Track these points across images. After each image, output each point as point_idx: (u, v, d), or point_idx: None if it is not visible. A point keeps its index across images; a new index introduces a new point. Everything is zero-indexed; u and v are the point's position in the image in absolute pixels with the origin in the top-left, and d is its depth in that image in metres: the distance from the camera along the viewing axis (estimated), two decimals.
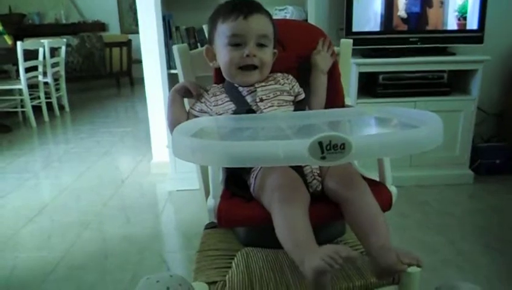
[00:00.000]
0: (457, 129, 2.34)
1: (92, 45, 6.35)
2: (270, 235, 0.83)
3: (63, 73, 4.83)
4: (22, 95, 4.15)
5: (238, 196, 0.98)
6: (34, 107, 4.24)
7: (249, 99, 1.08)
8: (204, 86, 1.14)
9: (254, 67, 1.07)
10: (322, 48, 1.20)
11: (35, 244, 1.87)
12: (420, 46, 2.31)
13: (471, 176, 2.42)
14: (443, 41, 2.34)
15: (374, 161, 1.01)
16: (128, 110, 5.27)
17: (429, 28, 2.31)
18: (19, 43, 3.94)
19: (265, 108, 1.06)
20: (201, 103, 1.10)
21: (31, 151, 3.36)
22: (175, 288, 0.80)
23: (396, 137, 0.74)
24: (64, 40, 4.97)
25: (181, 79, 1.25)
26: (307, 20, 2.22)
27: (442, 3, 2.27)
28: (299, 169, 0.94)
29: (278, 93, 1.10)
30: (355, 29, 2.25)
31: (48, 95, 4.53)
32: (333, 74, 1.22)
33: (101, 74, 6.55)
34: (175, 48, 1.25)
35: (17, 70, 4.16)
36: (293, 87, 1.14)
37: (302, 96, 1.15)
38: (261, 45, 1.07)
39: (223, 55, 1.08)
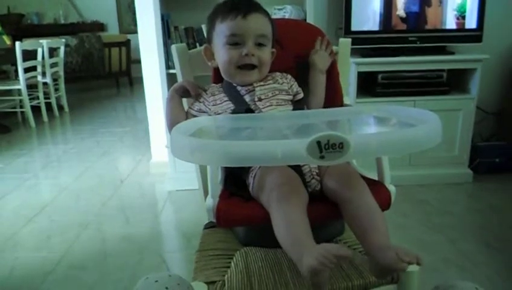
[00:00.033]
0: (456, 128, 2.34)
1: (91, 45, 6.35)
2: (269, 234, 0.83)
3: (62, 73, 4.83)
4: (20, 96, 4.15)
5: (237, 196, 0.98)
6: (33, 107, 4.24)
7: (247, 98, 1.08)
8: (202, 85, 1.14)
9: (253, 66, 1.07)
10: (320, 47, 1.20)
11: (34, 245, 1.87)
12: (419, 45, 2.31)
13: (470, 175, 2.42)
14: (442, 41, 2.34)
15: (373, 160, 1.01)
16: (127, 110, 5.27)
17: (428, 27, 2.31)
18: (17, 43, 3.94)
19: (263, 107, 1.06)
20: (200, 102, 1.10)
21: (30, 152, 3.36)
22: (173, 288, 0.80)
23: (395, 136, 0.74)
24: (63, 40, 4.97)
25: (179, 79, 1.25)
26: (305, 19, 2.22)
27: (441, 2, 2.27)
28: (297, 168, 0.94)
29: (277, 92, 1.10)
30: (354, 28, 2.25)
31: (46, 95, 4.53)
32: (332, 73, 1.22)
33: (100, 74, 6.55)
34: (173, 48, 1.24)
35: (16, 71, 4.17)
36: (291, 86, 1.14)
37: (301, 95, 1.15)
38: (259, 44, 1.07)
39: (221, 54, 1.07)
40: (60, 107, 4.86)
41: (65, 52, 5.01)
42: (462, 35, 2.32)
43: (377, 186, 0.96)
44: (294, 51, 1.22)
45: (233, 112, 1.06)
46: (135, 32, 2.71)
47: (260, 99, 1.07)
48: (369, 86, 2.35)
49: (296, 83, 1.16)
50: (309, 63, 1.19)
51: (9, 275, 1.64)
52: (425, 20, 2.30)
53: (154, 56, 2.25)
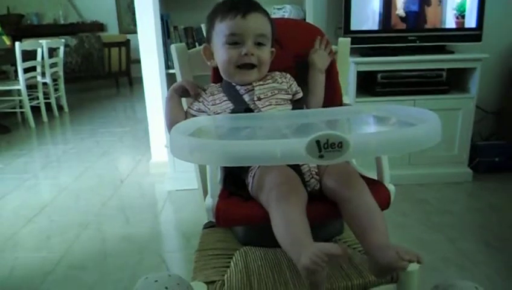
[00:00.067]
0: (456, 127, 2.34)
1: (91, 45, 6.35)
2: (269, 234, 0.83)
3: (61, 73, 4.83)
4: (20, 96, 4.15)
5: (236, 195, 0.98)
6: (32, 107, 4.24)
7: (246, 98, 1.08)
8: (202, 85, 1.14)
9: (252, 66, 1.07)
10: (320, 47, 1.20)
11: (34, 245, 1.87)
12: (419, 44, 2.31)
13: (470, 174, 2.42)
14: (442, 40, 2.34)
15: (372, 159, 1.01)
16: (127, 110, 5.27)
17: (428, 26, 2.31)
18: (17, 43, 3.94)
19: (263, 107, 1.06)
20: (199, 102, 1.10)
21: (30, 152, 3.36)
22: (173, 288, 0.80)
23: (394, 135, 0.74)
24: (63, 40, 4.97)
25: (179, 78, 1.25)
26: (305, 19, 2.22)
27: (440, 1, 2.27)
28: (296, 168, 0.94)
29: (276, 92, 1.10)
30: (353, 28, 2.25)
31: (46, 95, 4.53)
32: (331, 73, 1.22)
33: (100, 74, 6.55)
34: (173, 48, 1.24)
35: (16, 71, 4.17)
36: (290, 86, 1.14)
37: (300, 95, 1.15)
38: (259, 44, 1.07)
39: (221, 54, 1.07)
40: (60, 108, 4.86)
41: (65, 52, 5.01)
42: (462, 35, 2.32)
43: (376, 186, 0.96)
44: (293, 50, 1.22)
45: (233, 111, 1.06)
46: (135, 32, 2.71)
47: (259, 99, 1.07)
48: (368, 85, 2.35)
49: (295, 82, 1.16)
50: (308, 62, 1.19)
51: (9, 275, 1.64)
52: (425, 20, 2.30)
53: (154, 56, 2.25)
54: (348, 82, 2.10)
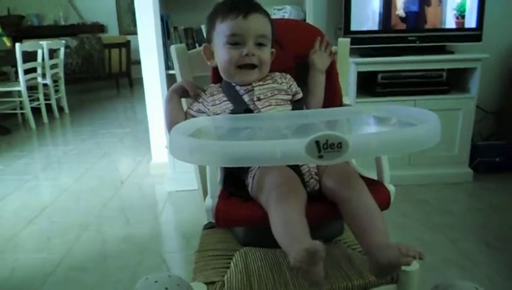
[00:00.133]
0: (456, 128, 2.34)
1: (91, 46, 6.36)
2: (269, 234, 0.82)
3: (62, 74, 4.83)
4: (21, 97, 4.15)
5: (236, 196, 0.98)
6: (33, 108, 4.24)
7: (246, 98, 1.08)
8: (201, 85, 1.14)
9: (253, 66, 1.07)
10: (319, 48, 1.20)
11: (34, 246, 1.87)
12: (419, 44, 2.31)
13: (470, 174, 2.42)
14: (442, 40, 2.34)
15: (372, 159, 1.01)
16: (127, 111, 5.27)
17: (428, 26, 2.31)
18: (17, 44, 3.94)
19: (262, 107, 1.06)
20: (199, 102, 1.10)
21: (30, 153, 3.36)
22: (173, 288, 0.80)
23: (394, 135, 0.74)
24: (63, 41, 4.97)
25: (179, 79, 1.25)
26: (305, 19, 2.22)
27: (440, 1, 2.27)
28: (296, 168, 0.94)
29: (276, 92, 1.10)
30: (353, 28, 2.25)
31: (47, 96, 4.54)
32: (331, 73, 1.22)
33: (100, 75, 6.56)
34: (173, 48, 1.24)
35: (16, 72, 4.17)
36: (290, 86, 1.14)
37: (300, 95, 1.15)
38: (259, 44, 1.07)
39: (221, 54, 1.08)
40: (60, 109, 4.87)
41: (65, 53, 5.02)
42: (462, 35, 2.32)
43: (376, 186, 0.96)
44: (293, 51, 1.22)
45: (232, 112, 1.06)
46: (135, 33, 2.72)
47: (259, 99, 1.07)
48: (368, 85, 2.35)
49: (295, 82, 1.16)
50: (308, 63, 1.19)
51: (9, 277, 1.64)
52: (425, 20, 2.30)
53: (154, 57, 2.25)
54: (348, 82, 2.10)
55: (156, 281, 0.81)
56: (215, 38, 1.09)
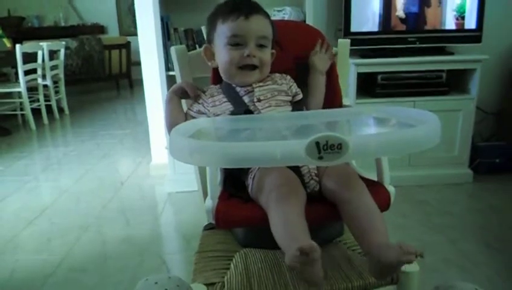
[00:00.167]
0: (456, 129, 2.34)
1: (91, 47, 6.36)
2: (269, 235, 0.82)
3: (62, 76, 4.84)
4: (21, 98, 4.16)
5: (236, 197, 0.98)
6: (33, 110, 4.24)
7: (246, 99, 1.08)
8: (201, 86, 1.14)
9: (254, 67, 1.07)
10: (320, 51, 1.20)
11: (35, 247, 1.87)
12: (418, 45, 2.31)
13: (470, 175, 2.42)
14: (441, 41, 2.35)
15: (372, 160, 1.01)
16: (127, 112, 5.27)
17: (427, 27, 2.31)
18: (17, 46, 3.95)
19: (262, 108, 1.06)
20: (199, 104, 1.10)
21: (30, 154, 3.36)
22: None
23: (393, 136, 0.74)
24: (63, 42, 4.97)
25: (179, 80, 1.25)
26: (305, 20, 2.22)
27: (440, 2, 2.28)
28: (296, 169, 0.94)
29: (276, 93, 1.10)
30: (353, 29, 2.25)
31: (47, 97, 4.54)
32: (331, 75, 1.22)
33: (100, 76, 6.56)
34: (173, 49, 1.24)
35: (16, 73, 4.17)
36: (290, 87, 1.14)
37: (300, 96, 1.15)
38: (260, 46, 1.07)
39: (222, 54, 1.08)
40: (60, 110, 4.87)
41: (65, 54, 5.02)
42: (462, 36, 2.32)
43: (376, 187, 0.96)
44: (293, 52, 1.22)
45: (232, 113, 1.06)
46: (135, 34, 2.72)
47: (259, 100, 1.07)
48: (368, 86, 2.35)
49: (295, 84, 1.16)
50: (309, 64, 1.19)
51: (9, 278, 1.64)
52: (425, 21, 2.30)
53: (154, 58, 2.25)
54: (348, 83, 2.10)
55: (156, 283, 0.81)
56: (216, 39, 1.10)
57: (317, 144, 0.65)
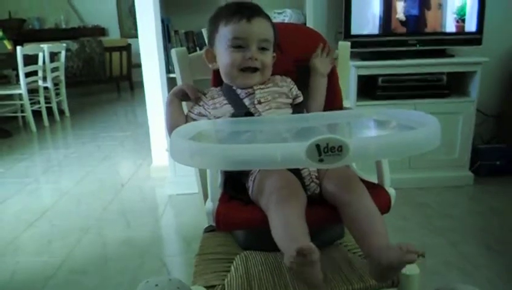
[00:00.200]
0: (456, 131, 2.34)
1: (92, 49, 6.37)
2: (269, 238, 0.82)
3: (62, 78, 4.84)
4: (21, 100, 4.16)
5: (237, 199, 0.98)
6: (34, 112, 4.25)
7: (247, 102, 1.08)
8: (202, 89, 1.14)
9: (255, 69, 1.08)
10: (321, 55, 1.20)
11: (35, 249, 1.87)
12: (419, 48, 2.31)
13: (471, 177, 2.42)
14: (442, 44, 2.35)
15: (373, 163, 1.01)
16: (128, 114, 5.27)
17: (428, 30, 2.31)
18: (18, 48, 3.95)
19: (263, 110, 1.06)
20: (200, 106, 1.10)
21: (31, 156, 3.36)
22: None
23: (394, 139, 0.74)
24: (64, 44, 4.98)
25: (179, 82, 1.26)
26: (305, 23, 2.22)
27: (440, 5, 2.28)
28: (297, 172, 0.94)
29: (276, 95, 1.10)
30: (353, 32, 2.25)
31: (47, 99, 4.54)
32: (331, 77, 1.22)
33: (101, 79, 6.56)
34: (173, 52, 1.25)
35: (17, 75, 4.17)
36: (291, 90, 1.14)
37: (301, 99, 1.15)
38: (262, 49, 1.07)
39: (224, 56, 1.08)
40: (61, 112, 4.87)
41: (66, 56, 5.03)
42: (462, 38, 2.32)
43: (376, 190, 0.96)
44: (293, 55, 1.22)
45: (233, 115, 1.06)
46: (136, 36, 2.72)
47: (260, 103, 1.07)
48: (369, 89, 2.35)
49: (295, 86, 1.16)
50: (310, 67, 1.19)
51: (10, 280, 1.64)
52: (425, 23, 2.30)
53: (155, 60, 2.25)
54: (349, 86, 2.11)
55: (157, 285, 0.81)
56: (217, 41, 1.10)
57: (318, 146, 0.65)
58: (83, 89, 6.41)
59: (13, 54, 4.05)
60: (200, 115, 1.10)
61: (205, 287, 0.90)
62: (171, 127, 1.07)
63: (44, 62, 4.35)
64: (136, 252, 1.81)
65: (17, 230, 2.05)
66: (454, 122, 2.32)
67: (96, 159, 3.20)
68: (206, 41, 1.20)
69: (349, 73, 2.11)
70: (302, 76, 1.20)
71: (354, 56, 2.20)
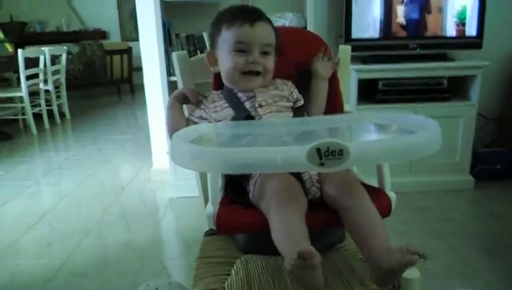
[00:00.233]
0: (457, 135, 2.34)
1: (93, 52, 6.38)
2: (269, 242, 0.83)
3: (63, 80, 4.85)
4: (22, 103, 4.16)
5: (237, 203, 0.98)
6: (34, 114, 4.25)
7: (247, 105, 1.09)
8: (203, 92, 1.14)
9: (257, 73, 1.08)
10: (323, 58, 1.20)
11: (35, 252, 1.87)
12: (419, 52, 2.31)
13: (471, 181, 2.42)
14: (442, 48, 2.35)
15: (373, 166, 1.01)
16: (128, 117, 5.28)
17: (428, 34, 2.31)
18: (19, 50, 3.96)
19: (264, 114, 1.07)
20: (201, 109, 1.11)
21: (31, 159, 3.36)
22: None
23: (394, 143, 0.74)
24: (65, 47, 4.99)
25: (180, 86, 1.26)
26: (306, 27, 2.23)
27: (441, 9, 2.28)
28: (297, 176, 0.94)
29: (277, 99, 1.10)
30: (354, 36, 2.25)
31: (48, 102, 4.55)
32: (332, 81, 1.22)
33: (102, 82, 6.57)
34: (174, 55, 1.25)
35: (18, 78, 4.18)
36: (291, 93, 1.15)
37: (301, 102, 1.15)
38: (264, 53, 1.07)
39: (226, 60, 1.08)
40: (62, 115, 4.88)
41: (67, 59, 5.03)
42: (462, 42, 2.32)
43: (377, 194, 0.96)
44: (294, 58, 1.23)
45: (234, 118, 1.06)
46: (137, 39, 2.73)
47: (260, 106, 1.08)
48: (369, 92, 2.35)
49: (296, 89, 1.16)
50: (311, 70, 1.19)
51: (10, 282, 1.64)
52: (426, 27, 2.30)
53: (156, 63, 2.25)
54: (349, 90, 2.11)
55: (157, 288, 0.82)
56: (219, 45, 1.10)
57: (319, 150, 0.65)
58: (83, 91, 6.42)
59: (14, 57, 4.06)
60: (201, 118, 1.10)
61: None
62: (172, 130, 1.07)
63: (45, 65, 4.36)
64: (136, 255, 1.81)
65: (18, 233, 2.05)
66: (455, 126, 2.32)
67: (96, 162, 3.20)
68: (208, 44, 1.20)
69: (350, 77, 2.11)
70: (302, 79, 1.20)
71: (354, 60, 2.21)
